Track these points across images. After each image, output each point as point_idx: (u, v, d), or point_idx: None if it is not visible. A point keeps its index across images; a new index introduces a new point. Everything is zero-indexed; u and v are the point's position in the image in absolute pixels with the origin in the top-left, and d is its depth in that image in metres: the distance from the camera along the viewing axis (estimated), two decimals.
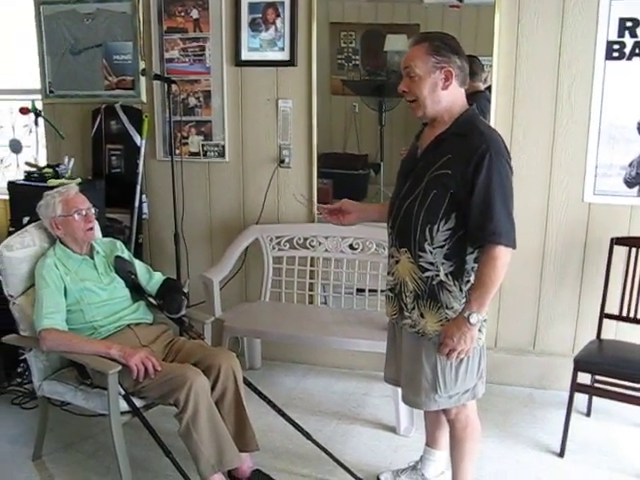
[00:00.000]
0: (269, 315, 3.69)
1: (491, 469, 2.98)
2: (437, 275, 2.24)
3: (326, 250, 3.81)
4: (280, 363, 4.07)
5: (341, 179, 4.10)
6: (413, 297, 2.31)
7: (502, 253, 2.14)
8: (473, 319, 2.17)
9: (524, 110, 3.50)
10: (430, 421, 2.71)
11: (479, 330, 2.27)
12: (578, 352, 3.16)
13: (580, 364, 3.03)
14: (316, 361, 4.04)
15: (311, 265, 3.88)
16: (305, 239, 3.83)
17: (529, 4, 3.40)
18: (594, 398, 3.39)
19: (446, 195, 2.17)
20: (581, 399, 3.34)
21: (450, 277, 2.24)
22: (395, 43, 3.87)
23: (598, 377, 3.22)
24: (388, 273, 2.44)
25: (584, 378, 3.12)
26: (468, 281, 2.25)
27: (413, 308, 2.32)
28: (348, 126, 4.10)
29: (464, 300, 2.24)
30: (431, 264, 2.24)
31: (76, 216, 2.87)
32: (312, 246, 3.83)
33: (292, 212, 3.95)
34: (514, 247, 2.17)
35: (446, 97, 2.21)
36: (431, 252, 2.23)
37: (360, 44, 3.96)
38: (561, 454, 3.08)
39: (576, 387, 3.04)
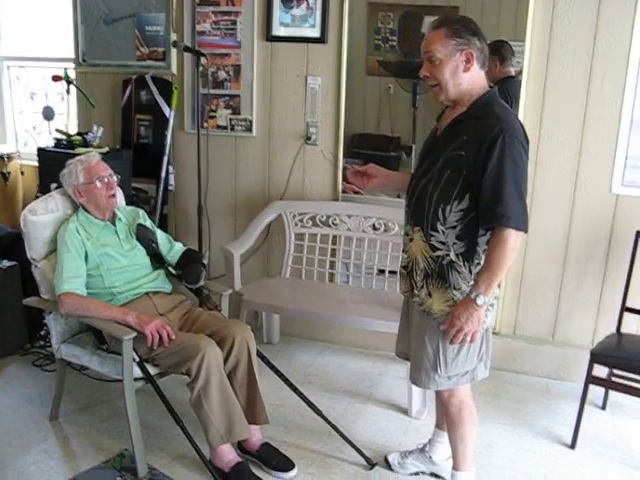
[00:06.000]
0: (288, 291, 3.71)
1: (501, 456, 2.98)
2: (447, 255, 2.25)
3: (348, 229, 3.81)
4: (298, 339, 4.11)
5: (372, 160, 3.97)
6: (423, 275, 2.33)
7: (512, 236, 2.12)
8: (480, 300, 2.17)
9: (555, 97, 3.43)
10: (440, 402, 2.71)
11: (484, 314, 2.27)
12: (596, 344, 3.12)
13: (597, 357, 3.00)
14: (333, 339, 4.06)
15: (333, 243, 3.88)
16: (328, 217, 3.84)
17: None
18: (610, 392, 3.36)
19: (459, 176, 2.17)
20: (597, 392, 3.32)
21: (460, 258, 2.25)
22: None
23: (615, 371, 3.20)
24: (403, 250, 2.46)
25: (601, 371, 3.09)
26: (478, 263, 2.25)
27: (422, 286, 2.34)
28: (382, 107, 4.08)
29: (472, 282, 2.24)
30: (442, 243, 2.25)
31: (98, 183, 2.91)
32: (335, 224, 3.83)
33: (316, 189, 3.95)
34: (525, 231, 2.16)
35: (467, 79, 2.20)
36: (443, 232, 2.24)
37: (398, 25, 3.92)
38: (572, 446, 3.05)
39: (591, 380, 3.01)
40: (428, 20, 3.83)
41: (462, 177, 2.17)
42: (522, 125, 2.21)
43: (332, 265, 3.91)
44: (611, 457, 3.01)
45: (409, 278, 2.41)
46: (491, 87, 2.27)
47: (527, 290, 3.70)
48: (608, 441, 3.13)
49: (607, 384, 3.18)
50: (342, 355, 3.95)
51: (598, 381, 3.07)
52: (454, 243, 2.24)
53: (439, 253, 2.26)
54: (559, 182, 3.51)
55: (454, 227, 2.22)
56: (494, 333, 3.72)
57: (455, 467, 2.57)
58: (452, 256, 2.25)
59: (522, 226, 2.14)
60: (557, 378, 3.69)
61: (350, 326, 3.69)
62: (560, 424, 3.25)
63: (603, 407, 3.41)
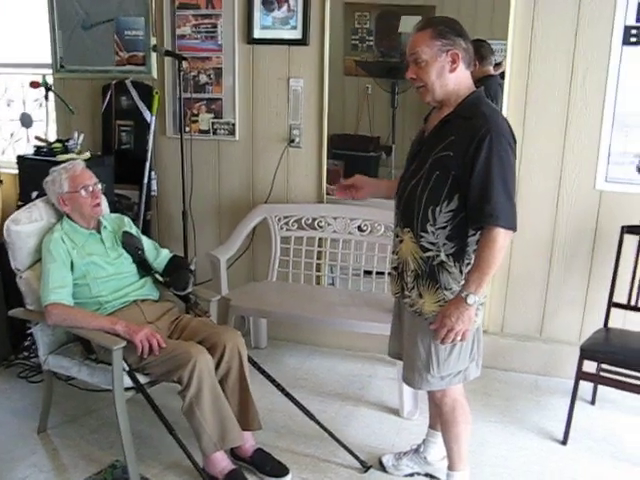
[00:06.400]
0: (275, 295, 3.69)
1: (493, 454, 2.98)
2: (438, 255, 2.26)
3: (334, 231, 3.79)
4: (286, 343, 4.08)
5: (352, 160, 4.08)
6: (413, 277, 2.33)
7: (500, 235, 2.13)
8: (470, 300, 2.17)
9: (537, 95, 3.45)
10: (433, 403, 2.71)
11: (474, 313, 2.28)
12: (585, 340, 3.14)
13: (586, 352, 3.01)
14: (322, 342, 4.04)
15: (319, 246, 3.86)
16: (314, 219, 3.82)
17: None
18: (599, 387, 3.39)
19: (448, 177, 2.18)
20: (586, 387, 3.33)
21: (451, 258, 2.25)
22: (410, 25, 3.80)
23: (604, 366, 3.22)
24: (393, 252, 2.47)
25: (590, 366, 3.11)
26: (469, 263, 2.26)
27: (412, 287, 2.34)
28: (361, 107, 4.07)
29: (463, 282, 2.24)
30: (432, 244, 2.26)
31: (83, 192, 2.87)
32: (320, 227, 3.82)
33: (301, 192, 3.93)
34: (514, 230, 2.17)
35: (453, 80, 2.22)
36: (433, 233, 2.24)
37: (374, 25, 3.92)
38: (564, 442, 3.07)
39: (581, 375, 3.03)
40: (405, 19, 3.84)
41: (451, 178, 2.18)
42: (509, 124, 2.23)
43: (319, 268, 3.90)
44: (603, 452, 3.03)
45: (400, 279, 2.41)
46: (477, 87, 2.28)
47: (514, 287, 3.71)
48: (599, 436, 3.15)
49: (596, 379, 3.20)
50: (331, 358, 3.93)
51: (588, 376, 3.09)
52: (444, 244, 2.24)
53: (429, 254, 2.27)
54: (543, 179, 3.53)
55: (444, 228, 2.23)
56: (482, 331, 3.75)
57: (450, 467, 2.57)
58: (442, 257, 2.25)
59: (511, 225, 2.15)
60: (546, 374, 3.71)
61: (338, 329, 3.68)
62: (551, 420, 3.27)
63: (592, 402, 3.43)
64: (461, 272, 2.26)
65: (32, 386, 3.47)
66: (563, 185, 3.51)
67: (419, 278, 2.31)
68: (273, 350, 4.00)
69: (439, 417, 2.56)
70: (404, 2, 3.90)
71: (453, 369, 2.37)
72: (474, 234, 2.23)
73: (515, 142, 2.21)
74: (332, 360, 3.91)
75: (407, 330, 2.45)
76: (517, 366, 3.74)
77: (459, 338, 2.25)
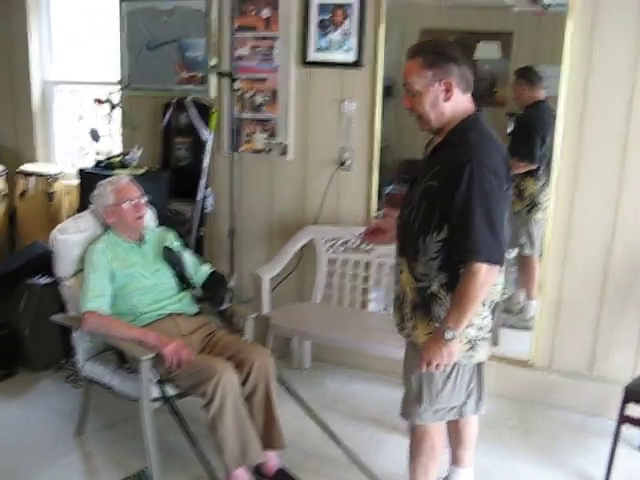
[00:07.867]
0: (316, 316, 3.68)
1: None
2: (430, 286, 2.18)
3: (380, 256, 3.76)
4: (329, 365, 4.05)
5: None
6: (411, 307, 2.27)
7: (482, 271, 2.02)
8: (448, 335, 2.09)
9: (593, 123, 3.31)
10: (452, 438, 2.64)
11: (471, 348, 2.22)
12: (632, 381, 2.98)
13: (630, 394, 2.84)
14: (365, 366, 3.98)
15: (365, 270, 3.84)
16: (360, 243, 3.80)
17: (606, 10, 3.20)
18: None
19: (434, 207, 2.11)
20: (636, 433, 3.14)
21: (444, 288, 2.16)
22: (486, 51, 3.79)
23: None
24: (395, 282, 2.40)
25: (638, 410, 2.93)
26: None
27: (410, 318, 2.28)
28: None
29: None
30: (424, 275, 2.18)
31: (127, 205, 2.96)
32: (367, 250, 3.79)
33: (350, 215, 3.92)
34: (500, 264, 2.07)
35: (450, 107, 2.13)
36: (424, 263, 2.17)
37: None
38: None
39: (624, 418, 2.86)
40: (481, 46, 3.79)
41: (437, 208, 2.10)
42: (503, 153, 2.14)
43: (364, 291, 3.87)
44: None
45: (400, 310, 2.34)
46: (479, 110, 2.19)
47: (564, 321, 3.56)
48: None
49: None
50: (373, 382, 3.87)
51: (633, 421, 2.89)
52: (436, 275, 2.16)
53: (422, 284, 2.20)
54: (598, 211, 3.38)
55: (435, 258, 2.14)
56: (528, 365, 3.63)
57: None
58: (434, 287, 2.17)
59: (494, 259, 2.04)
60: (595, 415, 3.52)
61: (373, 354, 3.61)
62: (594, 464, 3.08)
63: None
64: None
65: (78, 390, 3.56)
66: (619, 217, 3.35)
67: (416, 309, 2.25)
68: (315, 371, 3.98)
69: (409, 443, 2.50)
70: (482, 28, 3.84)
71: (446, 404, 2.31)
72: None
73: (507, 170, 2.12)
74: (373, 385, 3.85)
75: (405, 361, 2.42)
76: (564, 404, 3.58)
77: (440, 369, 2.19)
